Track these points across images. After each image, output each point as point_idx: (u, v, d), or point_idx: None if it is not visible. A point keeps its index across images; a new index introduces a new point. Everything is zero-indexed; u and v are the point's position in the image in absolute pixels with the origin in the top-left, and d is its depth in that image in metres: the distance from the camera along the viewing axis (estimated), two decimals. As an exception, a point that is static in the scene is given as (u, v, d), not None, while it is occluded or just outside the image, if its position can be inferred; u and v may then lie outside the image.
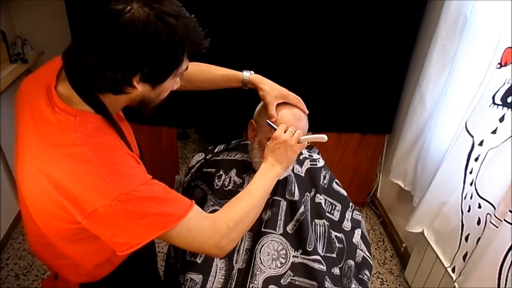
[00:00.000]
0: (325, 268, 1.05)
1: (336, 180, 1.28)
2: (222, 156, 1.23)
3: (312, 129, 2.21)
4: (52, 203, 0.70)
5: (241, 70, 1.13)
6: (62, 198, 0.68)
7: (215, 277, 1.02)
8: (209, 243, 0.79)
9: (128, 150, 0.77)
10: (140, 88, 0.71)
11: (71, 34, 1.77)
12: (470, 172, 1.39)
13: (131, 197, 0.68)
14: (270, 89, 1.06)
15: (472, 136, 1.35)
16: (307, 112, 1.11)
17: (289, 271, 1.03)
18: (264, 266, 1.03)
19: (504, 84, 1.21)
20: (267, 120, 1.05)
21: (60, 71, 0.76)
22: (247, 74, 1.10)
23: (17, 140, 0.77)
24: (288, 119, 1.06)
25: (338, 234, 1.19)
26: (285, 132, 0.98)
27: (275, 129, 1.00)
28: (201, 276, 1.02)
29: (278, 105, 1.07)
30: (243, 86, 1.12)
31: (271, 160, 0.97)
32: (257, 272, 1.02)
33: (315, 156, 1.28)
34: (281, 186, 1.13)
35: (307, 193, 1.16)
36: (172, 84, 0.79)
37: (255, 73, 1.12)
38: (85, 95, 0.72)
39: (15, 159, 0.77)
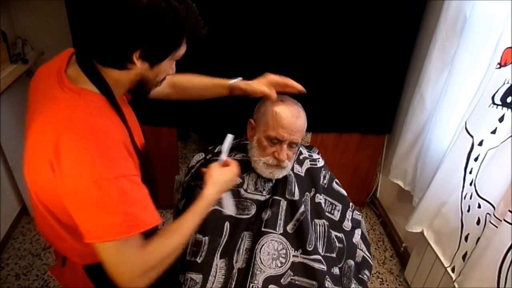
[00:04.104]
0: (325, 267, 1.05)
1: (336, 180, 1.28)
2: (222, 156, 1.23)
3: (313, 129, 2.21)
4: (49, 173, 0.72)
5: (241, 72, 1.15)
6: (56, 166, 0.71)
7: (215, 276, 1.03)
8: (127, 276, 0.75)
9: (124, 139, 0.80)
10: (139, 65, 0.76)
11: (71, 34, 1.77)
12: (470, 172, 1.39)
13: (111, 183, 0.70)
14: (257, 81, 1.11)
15: (472, 136, 1.35)
16: (305, 91, 1.12)
17: (289, 270, 1.04)
18: (264, 265, 1.03)
19: (503, 84, 1.21)
20: (217, 158, 1.03)
21: (70, 57, 0.82)
22: (234, 80, 1.14)
23: (28, 121, 0.80)
24: (286, 115, 1.06)
25: (338, 234, 1.19)
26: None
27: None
28: (201, 275, 1.02)
29: (276, 103, 1.08)
30: (230, 92, 1.15)
31: (210, 189, 0.94)
32: (257, 272, 1.02)
33: (315, 156, 1.29)
34: (281, 186, 1.13)
35: (307, 193, 1.17)
36: (169, 67, 0.84)
37: (256, 74, 1.14)
38: (90, 72, 0.77)
39: (25, 140, 0.80)
